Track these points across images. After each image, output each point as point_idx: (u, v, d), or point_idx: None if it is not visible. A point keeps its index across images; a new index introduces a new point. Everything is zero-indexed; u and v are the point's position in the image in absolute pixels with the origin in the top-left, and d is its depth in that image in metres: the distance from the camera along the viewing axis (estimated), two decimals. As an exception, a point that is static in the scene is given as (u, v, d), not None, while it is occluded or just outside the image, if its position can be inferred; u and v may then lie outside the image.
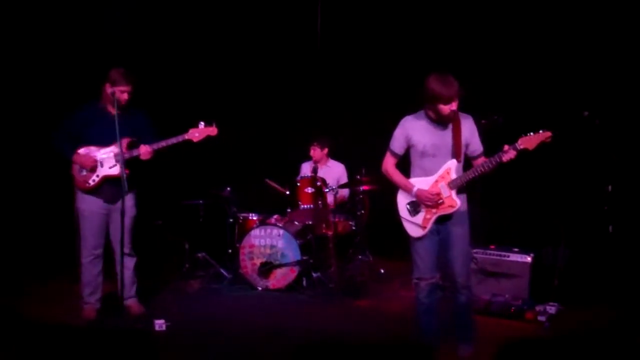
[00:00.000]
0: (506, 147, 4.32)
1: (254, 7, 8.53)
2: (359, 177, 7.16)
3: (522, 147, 4.26)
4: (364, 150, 8.23)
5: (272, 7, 8.51)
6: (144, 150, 5.37)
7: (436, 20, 7.84)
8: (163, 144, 5.41)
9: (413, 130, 4.59)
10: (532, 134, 4.26)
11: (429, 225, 4.57)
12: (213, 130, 5.46)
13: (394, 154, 4.72)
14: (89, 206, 5.48)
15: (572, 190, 6.89)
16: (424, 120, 4.58)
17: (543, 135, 4.23)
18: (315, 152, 7.63)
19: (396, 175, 4.72)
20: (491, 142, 4.69)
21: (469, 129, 4.56)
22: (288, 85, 8.69)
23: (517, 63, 7.30)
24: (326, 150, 7.69)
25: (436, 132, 4.54)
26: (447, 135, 4.52)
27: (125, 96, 5.36)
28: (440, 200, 4.51)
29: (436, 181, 4.54)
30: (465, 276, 4.67)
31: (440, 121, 4.52)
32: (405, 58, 8.11)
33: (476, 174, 4.44)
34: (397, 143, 4.68)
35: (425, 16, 7.92)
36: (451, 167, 4.51)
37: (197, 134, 5.43)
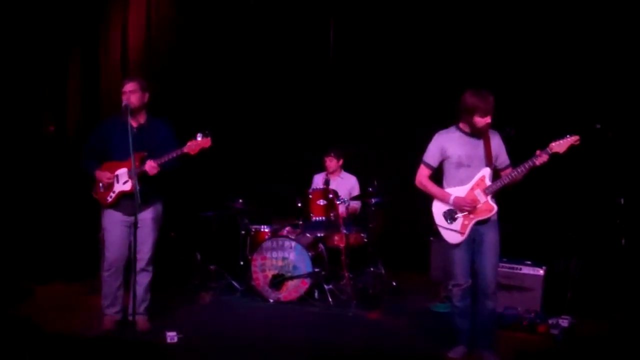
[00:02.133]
0: (538, 151, 4.60)
1: (268, 19, 8.59)
2: (371, 189, 7.16)
3: (553, 151, 4.54)
4: (377, 162, 8.29)
5: (286, 19, 8.57)
6: (149, 166, 5.33)
7: (449, 34, 7.86)
8: (165, 158, 5.34)
9: (447, 143, 4.88)
10: (562, 138, 4.53)
11: (467, 231, 4.81)
12: (206, 142, 5.34)
13: (428, 167, 4.99)
14: (111, 220, 5.51)
15: (585, 202, 6.86)
16: (456, 133, 4.89)
17: (572, 139, 4.53)
18: (332, 162, 7.64)
19: (431, 186, 4.97)
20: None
21: (497, 143, 4.86)
22: (300, 98, 8.71)
23: (530, 76, 7.30)
24: (341, 161, 7.71)
25: (469, 144, 4.83)
26: (480, 146, 4.81)
27: (130, 97, 5.32)
28: (478, 206, 4.76)
29: (472, 189, 4.80)
30: (495, 283, 4.88)
31: (473, 134, 4.80)
32: (417, 71, 8.14)
33: (510, 178, 4.73)
34: (432, 156, 4.96)
35: (438, 29, 7.95)
36: (485, 175, 4.78)
37: (193, 147, 5.34)
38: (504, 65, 7.40)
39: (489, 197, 4.76)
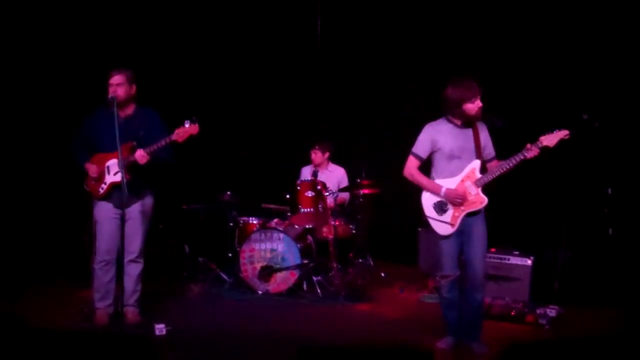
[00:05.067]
0: (528, 145, 4.60)
1: (254, 8, 8.53)
2: (359, 180, 7.16)
3: (543, 144, 4.55)
4: (365, 153, 8.28)
5: (272, 9, 8.52)
6: (138, 155, 5.27)
7: (438, 24, 7.85)
8: (154, 147, 5.28)
9: (439, 135, 4.85)
10: (552, 132, 4.55)
11: (458, 223, 4.81)
12: (194, 129, 5.26)
13: (418, 158, 4.95)
14: (102, 213, 5.48)
15: (573, 193, 6.89)
16: (447, 125, 4.86)
17: (562, 133, 4.54)
18: (317, 155, 7.63)
19: (422, 178, 4.94)
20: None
21: (485, 134, 4.88)
22: (289, 89, 8.69)
23: (517, 66, 7.31)
24: (327, 154, 7.70)
25: (461, 135, 4.82)
26: (470, 138, 4.81)
27: (117, 89, 5.27)
28: (469, 198, 4.76)
29: (462, 180, 4.80)
30: (483, 274, 4.89)
31: (465, 124, 4.80)
32: (406, 61, 8.12)
33: (501, 171, 4.71)
34: (422, 147, 4.92)
35: (427, 19, 7.94)
36: (475, 167, 4.79)
37: (181, 134, 5.26)
38: (492, 55, 7.40)
39: (479, 189, 4.76)
